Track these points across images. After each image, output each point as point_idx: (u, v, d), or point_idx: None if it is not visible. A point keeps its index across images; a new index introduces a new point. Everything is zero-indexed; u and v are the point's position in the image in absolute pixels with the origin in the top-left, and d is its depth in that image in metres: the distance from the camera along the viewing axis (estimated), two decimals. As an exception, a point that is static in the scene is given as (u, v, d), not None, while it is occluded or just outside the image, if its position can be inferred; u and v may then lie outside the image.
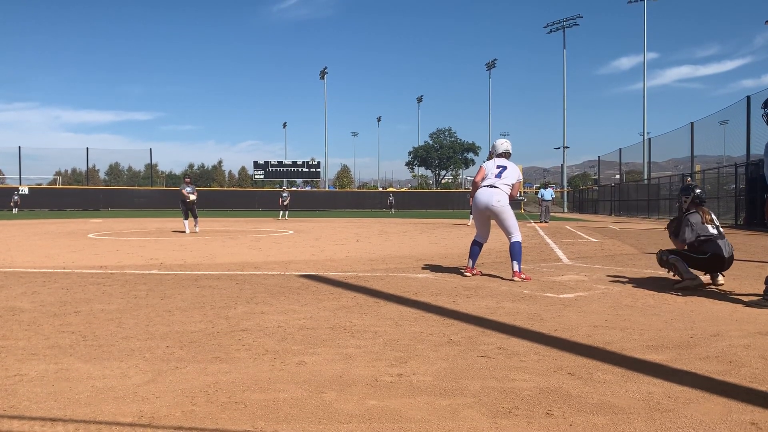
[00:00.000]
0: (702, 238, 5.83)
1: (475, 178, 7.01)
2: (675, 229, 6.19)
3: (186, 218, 16.13)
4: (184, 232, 15.73)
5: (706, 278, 5.97)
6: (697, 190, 6.11)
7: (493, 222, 6.83)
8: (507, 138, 7.26)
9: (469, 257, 6.83)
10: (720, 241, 5.78)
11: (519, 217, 25.56)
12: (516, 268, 6.33)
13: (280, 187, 45.62)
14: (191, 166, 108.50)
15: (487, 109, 76.55)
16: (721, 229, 5.92)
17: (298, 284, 6.05)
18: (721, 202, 23.10)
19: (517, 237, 6.51)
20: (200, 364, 3.14)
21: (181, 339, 3.68)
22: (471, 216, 19.86)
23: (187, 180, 16.70)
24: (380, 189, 75.31)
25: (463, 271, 6.91)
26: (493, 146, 7.06)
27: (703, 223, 5.85)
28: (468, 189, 31.90)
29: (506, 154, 6.93)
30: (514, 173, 6.76)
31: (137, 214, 36.15)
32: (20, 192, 41.63)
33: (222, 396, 2.63)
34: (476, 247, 6.81)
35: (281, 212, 27.60)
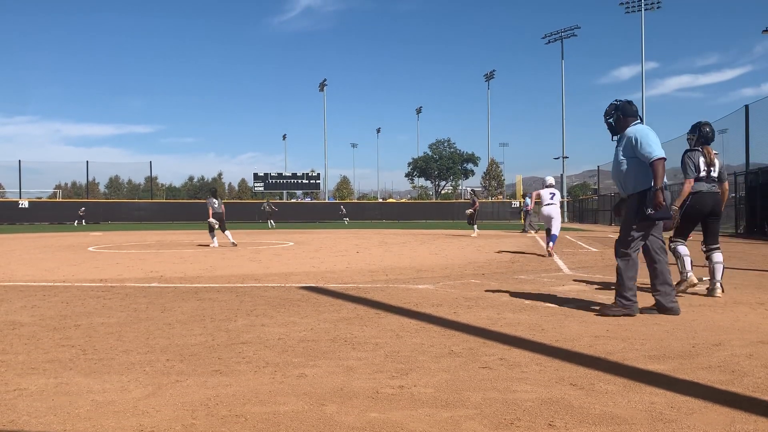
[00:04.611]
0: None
1: (533, 198, 13.52)
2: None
3: (212, 231, 15.07)
4: (208, 245, 14.75)
5: (693, 282, 5.95)
6: (706, 128, 5.88)
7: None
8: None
9: (549, 241, 11.47)
10: (702, 193, 5.74)
11: (520, 228, 25.48)
12: (551, 246, 11.33)
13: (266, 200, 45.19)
14: (191, 178, 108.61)
15: (486, 119, 76.91)
16: (714, 174, 5.76)
17: (298, 296, 6.04)
18: (721, 210, 23.07)
19: (558, 231, 11.61)
20: (200, 377, 3.12)
21: (182, 352, 3.67)
22: (475, 228, 20.44)
23: (213, 190, 16.81)
24: (380, 200, 75.32)
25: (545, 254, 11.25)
26: (544, 180, 12.33)
27: (702, 163, 5.70)
28: (467, 200, 32.61)
29: (549, 185, 12.07)
30: (558, 195, 12.03)
31: (137, 227, 36.14)
32: (83, 210, 42.17)
33: (222, 409, 2.62)
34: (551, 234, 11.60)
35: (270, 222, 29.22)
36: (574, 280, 7.35)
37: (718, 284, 5.87)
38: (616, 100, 5.10)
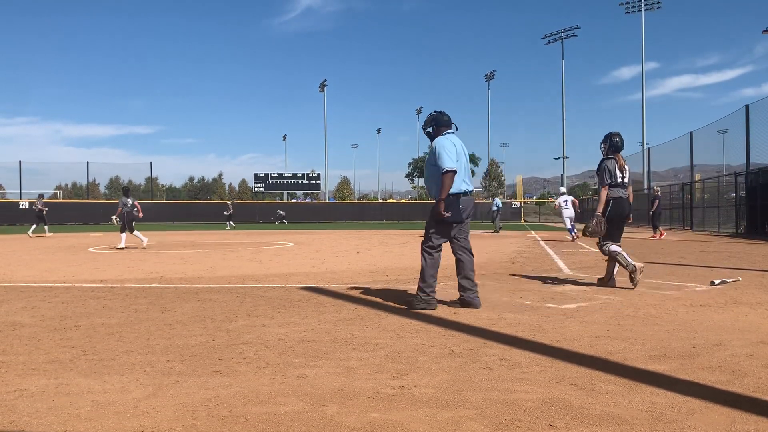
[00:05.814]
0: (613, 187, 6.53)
1: (556, 207, 17.00)
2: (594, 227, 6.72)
3: (123, 231, 15.48)
4: (120, 247, 14.47)
5: (641, 268, 6.45)
6: (616, 138, 6.64)
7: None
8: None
9: (571, 232, 15.73)
10: (621, 199, 6.52)
11: (520, 228, 25.51)
12: (574, 233, 15.65)
13: (228, 203, 43.93)
14: (191, 179, 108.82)
15: (487, 120, 76.94)
16: (626, 180, 6.60)
17: (298, 297, 6.04)
18: (721, 211, 23.10)
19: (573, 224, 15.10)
20: (201, 377, 3.12)
21: (182, 352, 3.67)
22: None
23: (126, 189, 16.77)
24: (380, 200, 75.30)
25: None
26: (558, 190, 14.54)
27: (617, 170, 6.50)
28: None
29: (563, 194, 15.92)
30: (569, 199, 17.81)
31: (137, 227, 36.10)
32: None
33: (223, 410, 2.62)
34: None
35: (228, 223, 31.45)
36: (575, 281, 7.34)
37: (616, 279, 6.63)
38: (433, 112, 5.55)
